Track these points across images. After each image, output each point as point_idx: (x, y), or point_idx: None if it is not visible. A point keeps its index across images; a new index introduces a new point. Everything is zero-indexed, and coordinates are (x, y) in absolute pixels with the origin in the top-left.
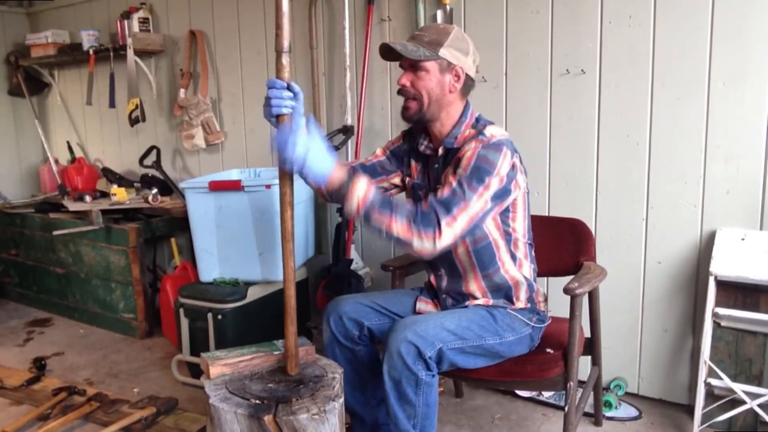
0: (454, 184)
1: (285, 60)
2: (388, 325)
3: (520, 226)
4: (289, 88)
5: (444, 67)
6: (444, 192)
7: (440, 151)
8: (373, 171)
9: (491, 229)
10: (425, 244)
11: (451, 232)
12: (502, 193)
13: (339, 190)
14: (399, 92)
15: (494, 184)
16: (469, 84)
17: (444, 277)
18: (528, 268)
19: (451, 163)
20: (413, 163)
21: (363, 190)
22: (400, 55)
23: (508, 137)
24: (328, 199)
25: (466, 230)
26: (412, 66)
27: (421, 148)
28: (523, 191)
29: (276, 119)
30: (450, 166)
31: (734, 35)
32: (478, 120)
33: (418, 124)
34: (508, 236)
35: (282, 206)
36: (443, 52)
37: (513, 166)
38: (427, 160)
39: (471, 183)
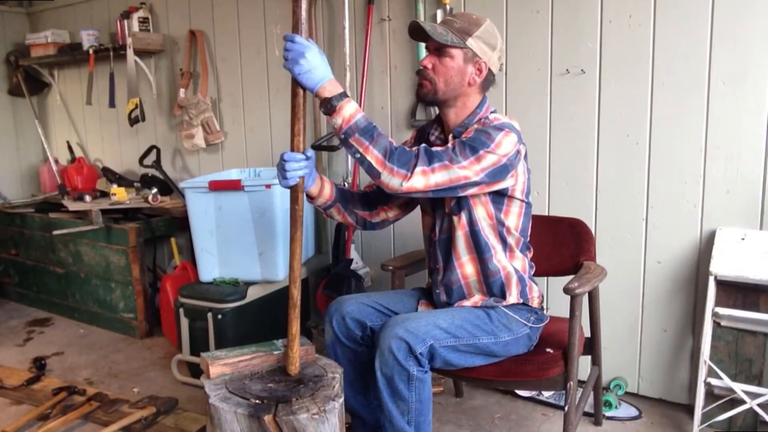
0: (449, 146)
1: (300, 136)
2: None
3: (513, 222)
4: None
5: (468, 57)
6: (437, 148)
7: (450, 139)
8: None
9: (481, 216)
10: (392, 181)
11: (422, 180)
12: (498, 172)
13: (327, 103)
14: (418, 72)
15: (489, 159)
16: (490, 79)
17: (441, 270)
18: (520, 261)
19: None
20: None
21: (350, 112)
22: (427, 36)
23: (514, 125)
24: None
25: (442, 188)
26: (438, 49)
27: (432, 138)
28: (522, 188)
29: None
30: None
31: (734, 35)
32: (492, 113)
33: (430, 106)
34: (499, 225)
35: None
36: (471, 42)
37: (518, 152)
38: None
39: (464, 150)
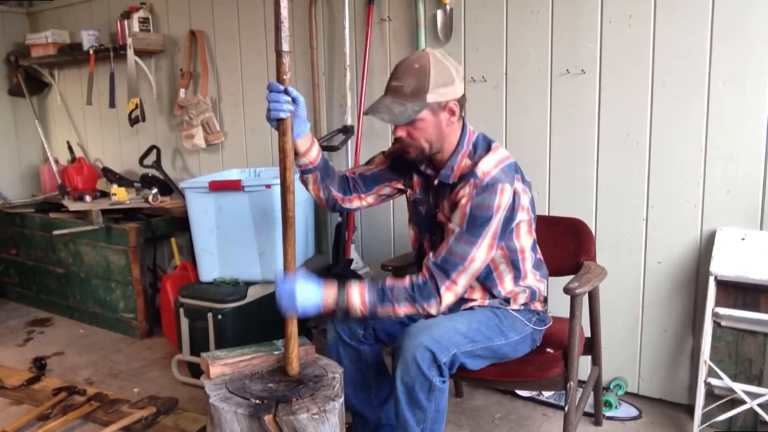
0: (452, 240)
1: (285, 61)
2: (392, 324)
3: (527, 242)
4: (287, 92)
5: (435, 109)
6: (442, 251)
7: (437, 180)
8: (374, 180)
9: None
10: (431, 311)
11: (452, 294)
12: (506, 225)
13: (337, 309)
14: (396, 141)
15: (494, 225)
16: (463, 105)
17: None
18: (532, 276)
19: (449, 196)
20: (415, 177)
21: (358, 299)
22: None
23: (501, 168)
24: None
25: (469, 284)
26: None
27: (422, 167)
28: (528, 206)
29: (277, 124)
30: (446, 200)
31: (734, 35)
32: (475, 147)
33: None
34: (512, 254)
35: (283, 192)
36: (430, 97)
37: (514, 193)
38: (428, 176)
39: (470, 238)
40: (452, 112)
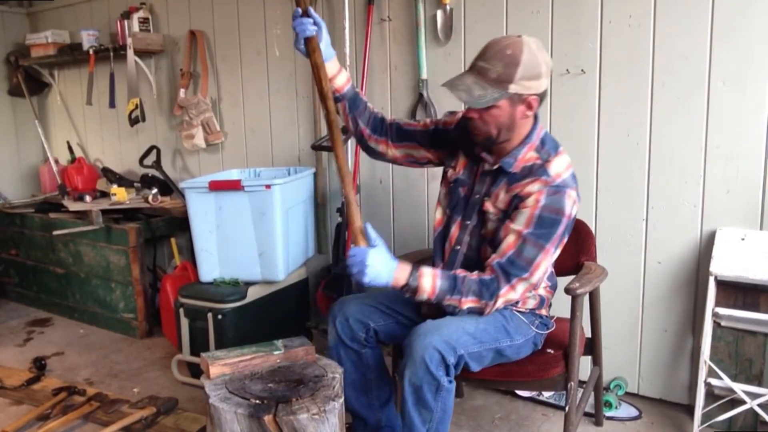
0: (518, 242)
1: None
2: (393, 325)
3: (555, 252)
4: (308, 14)
5: (515, 100)
6: (507, 251)
7: (497, 164)
8: (407, 135)
9: None
10: (486, 311)
11: (504, 300)
12: (567, 233)
13: (406, 288)
14: (465, 121)
15: (561, 230)
16: (542, 100)
17: None
18: (544, 288)
19: (509, 187)
20: (462, 157)
21: (429, 283)
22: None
23: (571, 171)
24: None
25: (525, 294)
26: None
27: (476, 149)
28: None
29: (305, 46)
30: (503, 191)
31: (734, 35)
32: (543, 142)
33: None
34: None
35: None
36: (514, 87)
37: (573, 202)
38: (478, 158)
39: (537, 240)
40: (530, 106)
